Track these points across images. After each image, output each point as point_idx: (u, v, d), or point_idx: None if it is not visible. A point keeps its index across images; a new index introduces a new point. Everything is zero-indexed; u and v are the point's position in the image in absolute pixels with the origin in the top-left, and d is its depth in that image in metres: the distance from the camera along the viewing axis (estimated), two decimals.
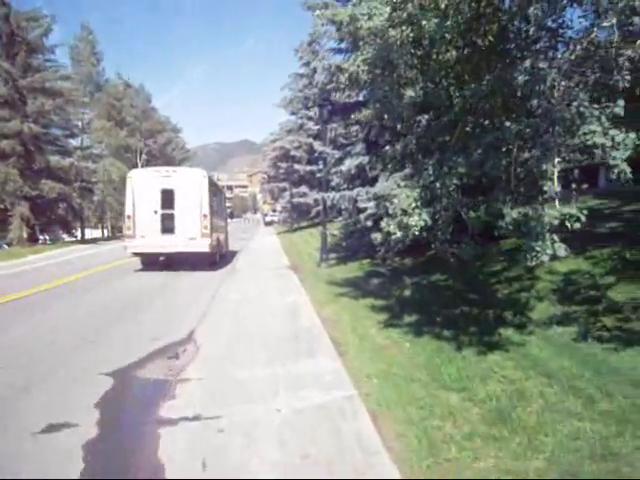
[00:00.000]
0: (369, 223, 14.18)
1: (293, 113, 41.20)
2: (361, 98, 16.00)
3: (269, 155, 43.62)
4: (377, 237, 7.77)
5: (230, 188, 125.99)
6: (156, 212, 16.16)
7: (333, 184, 17.33)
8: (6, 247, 30.44)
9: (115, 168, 41.64)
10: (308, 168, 38.22)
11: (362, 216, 13.91)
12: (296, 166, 37.95)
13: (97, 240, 39.71)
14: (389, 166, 14.59)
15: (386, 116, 8.29)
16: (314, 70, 39.05)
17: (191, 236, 16.06)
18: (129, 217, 16.37)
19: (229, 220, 27.45)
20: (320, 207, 38.86)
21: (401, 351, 6.36)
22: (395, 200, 6.86)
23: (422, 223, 6.36)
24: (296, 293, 11.66)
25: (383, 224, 7.04)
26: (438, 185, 6.44)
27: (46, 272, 17.21)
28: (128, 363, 6.33)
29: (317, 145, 37.55)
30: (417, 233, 6.45)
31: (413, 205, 6.39)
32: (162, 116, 66.78)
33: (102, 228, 49.26)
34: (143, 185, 16.41)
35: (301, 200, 37.83)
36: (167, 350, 7.07)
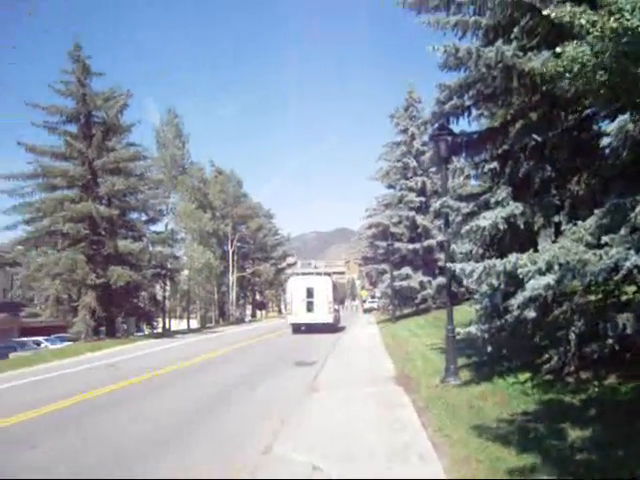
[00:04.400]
0: (531, 313, 8.41)
1: (391, 186, 36.61)
2: (497, 123, 10.71)
3: (365, 234, 38.72)
4: None
5: (328, 275, 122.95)
6: (303, 300, 28.06)
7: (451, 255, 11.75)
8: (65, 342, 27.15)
9: (198, 254, 38.41)
10: (411, 246, 32.86)
11: (515, 302, 8.20)
12: (397, 244, 32.63)
13: (177, 333, 35.80)
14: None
15: None
16: (412, 136, 34.78)
17: (323, 313, 27.71)
18: (289, 303, 29.51)
19: None
20: (427, 291, 33.04)
21: None
22: None
23: None
24: (417, 456, 6.01)
25: None
26: None
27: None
28: None
29: (420, 219, 32.58)
30: None
31: None
32: (254, 202, 64.80)
33: (187, 319, 45.72)
34: (296, 285, 29.42)
35: (404, 284, 32.16)
36: None
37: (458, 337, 10.13)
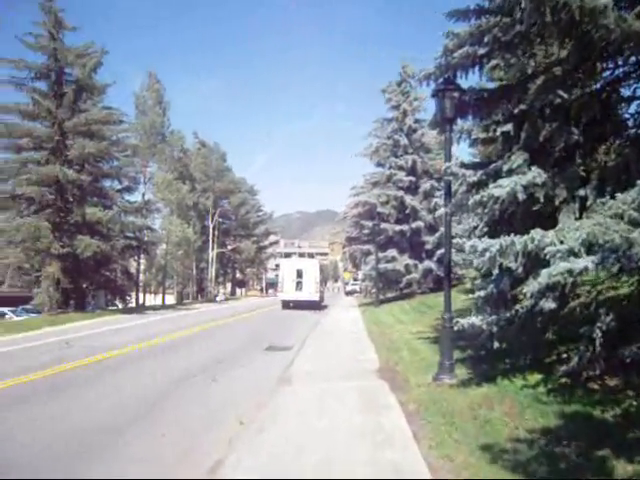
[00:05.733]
0: (548, 304, 6.94)
1: (380, 164, 34.97)
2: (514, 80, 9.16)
3: (350, 213, 37.14)
4: None
5: (311, 256, 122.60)
6: (293, 280, 31.54)
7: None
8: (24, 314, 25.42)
9: (175, 227, 36.52)
10: (398, 228, 31.37)
11: (528, 290, 6.72)
12: (383, 225, 31.08)
13: (150, 308, 34.14)
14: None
15: None
16: (404, 113, 33.17)
17: (309, 292, 31.34)
18: (281, 283, 32.52)
19: None
20: (413, 275, 31.64)
21: None
22: None
23: None
24: None
25: None
26: None
27: None
28: None
29: (409, 199, 31.11)
30: None
31: None
32: (237, 177, 62.75)
33: (163, 294, 43.92)
34: (287, 266, 33.43)
35: (389, 266, 30.67)
36: None
37: (455, 328, 8.66)
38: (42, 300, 25.22)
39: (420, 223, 30.92)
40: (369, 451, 5.47)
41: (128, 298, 38.04)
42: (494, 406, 6.49)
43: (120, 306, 35.24)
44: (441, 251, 29.78)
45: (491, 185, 7.49)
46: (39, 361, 11.43)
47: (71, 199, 26.37)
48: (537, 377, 7.45)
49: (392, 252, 31.27)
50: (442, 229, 30.34)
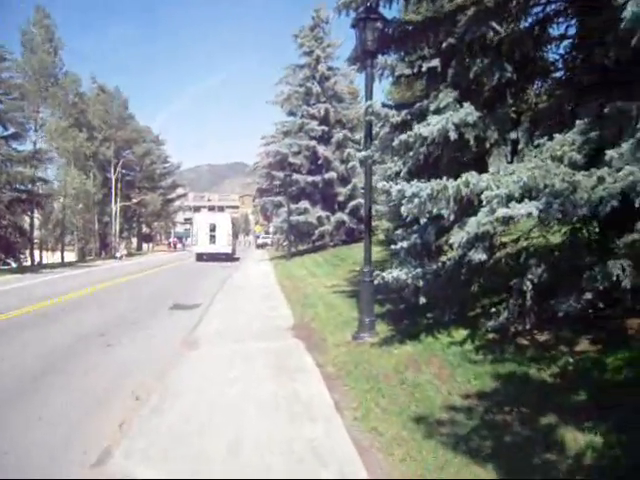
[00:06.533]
0: (478, 255, 6.39)
1: (292, 113, 33.77)
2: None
3: (261, 164, 35.88)
4: None
5: (221, 209, 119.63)
6: (206, 233, 33.03)
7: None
8: None
9: (71, 178, 33.60)
10: (310, 179, 30.58)
11: (456, 240, 6.14)
12: (295, 176, 30.16)
13: (47, 267, 31.57)
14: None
15: None
16: (317, 59, 32.00)
17: (222, 245, 33.04)
18: (195, 236, 33.87)
19: None
20: (326, 227, 31.17)
21: None
22: None
23: None
24: (337, 469, 3.86)
25: None
26: None
27: None
28: None
29: (322, 150, 30.29)
30: None
31: None
32: (142, 125, 59.01)
33: (62, 251, 40.87)
34: (201, 220, 34.86)
35: (301, 218, 29.97)
36: None
37: (375, 282, 8.00)
38: None
39: (333, 174, 30.31)
40: (285, 427, 4.72)
41: (22, 257, 35.09)
42: (422, 367, 5.93)
43: (14, 265, 32.40)
44: (353, 202, 29.65)
45: (418, 124, 6.78)
46: None
47: None
48: (463, 333, 6.98)
49: (304, 204, 30.57)
50: (354, 180, 30.33)
